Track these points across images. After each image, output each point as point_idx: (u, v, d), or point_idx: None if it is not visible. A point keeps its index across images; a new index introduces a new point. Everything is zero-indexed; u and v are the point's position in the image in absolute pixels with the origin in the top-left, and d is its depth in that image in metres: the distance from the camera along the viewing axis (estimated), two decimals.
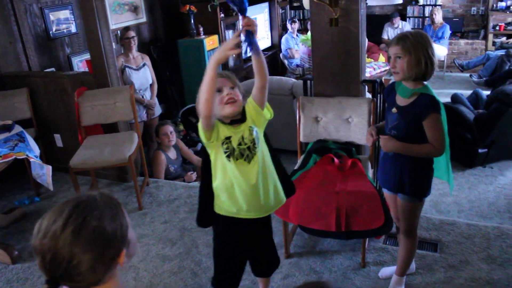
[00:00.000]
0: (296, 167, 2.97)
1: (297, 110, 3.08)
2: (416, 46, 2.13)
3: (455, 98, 5.31)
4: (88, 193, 1.18)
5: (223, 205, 2.10)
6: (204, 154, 2.13)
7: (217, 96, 1.94)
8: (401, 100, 2.28)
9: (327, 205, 2.56)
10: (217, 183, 2.07)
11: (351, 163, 2.88)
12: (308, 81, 3.29)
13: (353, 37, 2.95)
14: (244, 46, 1.76)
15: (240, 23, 1.79)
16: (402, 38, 2.18)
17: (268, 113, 2.04)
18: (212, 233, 2.25)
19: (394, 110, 2.30)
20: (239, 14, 1.73)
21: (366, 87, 3.29)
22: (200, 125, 1.93)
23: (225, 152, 1.99)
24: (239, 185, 2.02)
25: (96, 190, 1.22)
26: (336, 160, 2.88)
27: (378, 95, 3.17)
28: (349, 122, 2.99)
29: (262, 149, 2.07)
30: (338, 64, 3.03)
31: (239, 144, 2.00)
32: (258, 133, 2.05)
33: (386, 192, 2.53)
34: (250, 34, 1.73)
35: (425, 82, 2.22)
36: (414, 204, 2.37)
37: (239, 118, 2.00)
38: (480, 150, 4.56)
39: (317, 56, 3.08)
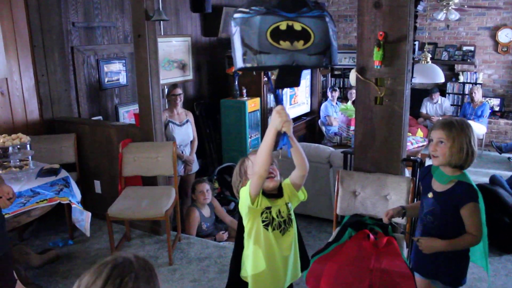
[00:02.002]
0: (330, 240, 2.96)
1: (336, 182, 3.11)
2: (460, 134, 2.16)
3: (493, 180, 5.23)
4: (124, 255, 1.23)
5: (250, 276, 2.16)
6: (239, 223, 2.22)
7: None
8: (437, 186, 2.28)
9: (360, 282, 2.53)
10: (249, 252, 2.14)
11: (387, 240, 2.85)
12: (349, 155, 3.34)
13: (396, 116, 3.01)
14: (281, 145, 1.87)
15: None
16: (447, 124, 2.21)
17: (302, 195, 2.15)
18: None
19: (430, 195, 2.31)
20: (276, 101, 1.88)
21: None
22: (246, 189, 2.01)
23: (264, 221, 2.07)
24: (272, 255, 2.09)
25: (130, 252, 1.28)
26: (371, 236, 2.87)
27: (418, 174, 3.18)
28: (387, 200, 3.00)
29: (295, 223, 2.19)
30: (379, 141, 3.08)
31: (277, 216, 2.10)
32: (291, 203, 2.16)
33: (418, 277, 2.48)
34: (287, 136, 1.84)
35: (463, 170, 2.24)
36: None
37: (276, 193, 2.11)
38: None
39: (360, 132, 3.15)
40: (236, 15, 1.62)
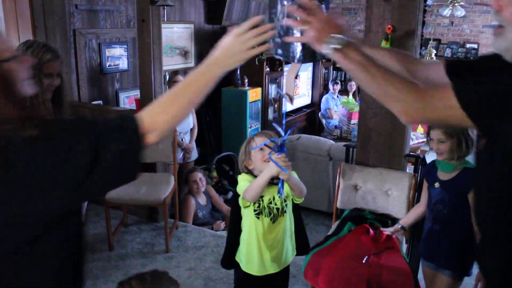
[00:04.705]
0: (329, 233, 2.95)
1: (338, 176, 3.09)
2: (456, 129, 2.24)
3: None
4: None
5: (243, 258, 2.27)
6: (234, 204, 2.32)
7: (259, 153, 2.15)
8: (443, 175, 2.38)
9: (358, 277, 2.52)
10: (243, 236, 2.27)
11: (386, 236, 2.84)
12: (351, 149, 3.32)
13: None
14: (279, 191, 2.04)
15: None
16: None
17: (298, 200, 2.27)
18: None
19: (436, 184, 2.41)
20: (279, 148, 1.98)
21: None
22: (243, 185, 2.14)
23: (255, 210, 2.16)
24: (262, 242, 2.19)
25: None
26: (371, 231, 2.86)
27: (420, 170, 3.17)
28: (388, 195, 2.98)
29: (289, 213, 2.27)
30: (383, 136, 3.06)
31: (270, 202, 2.17)
32: (288, 199, 2.24)
33: (426, 266, 2.58)
34: (283, 181, 2.00)
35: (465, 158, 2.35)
36: (457, 281, 2.43)
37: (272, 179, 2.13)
38: None
39: (363, 126, 3.12)
40: None
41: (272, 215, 2.17)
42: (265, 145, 2.10)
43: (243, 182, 2.16)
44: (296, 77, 1.65)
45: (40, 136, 0.97)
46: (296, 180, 2.14)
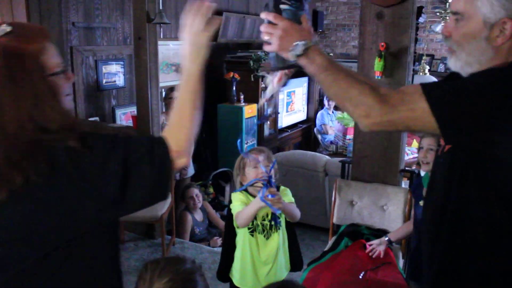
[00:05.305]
0: (326, 248, 2.96)
1: (334, 191, 3.11)
2: None
3: None
4: None
5: (237, 274, 2.31)
6: (228, 221, 2.36)
7: (252, 171, 2.18)
8: None
9: None
10: (237, 253, 2.30)
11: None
12: (347, 164, 3.35)
13: None
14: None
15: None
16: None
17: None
18: None
19: (421, 203, 2.38)
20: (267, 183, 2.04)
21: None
22: (236, 205, 2.19)
23: (249, 228, 2.20)
24: (256, 258, 2.23)
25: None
26: (368, 246, 2.87)
27: None
28: (384, 210, 3.00)
29: (282, 229, 2.30)
30: (378, 152, 3.09)
31: (263, 219, 2.21)
32: (281, 217, 2.26)
33: (412, 286, 2.56)
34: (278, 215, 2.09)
35: None
36: None
37: None
38: None
39: (358, 142, 3.16)
40: (283, 7, 1.41)
41: (265, 231, 2.21)
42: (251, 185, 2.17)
43: (236, 202, 2.20)
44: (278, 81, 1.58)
45: (79, 147, 1.04)
46: (289, 208, 2.17)
